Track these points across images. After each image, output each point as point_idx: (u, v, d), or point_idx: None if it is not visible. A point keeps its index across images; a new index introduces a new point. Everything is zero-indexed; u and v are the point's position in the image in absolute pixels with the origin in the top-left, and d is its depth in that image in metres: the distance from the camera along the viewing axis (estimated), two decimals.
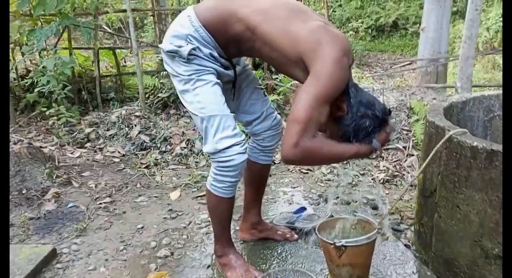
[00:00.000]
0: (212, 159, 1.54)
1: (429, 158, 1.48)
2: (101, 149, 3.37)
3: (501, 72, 7.67)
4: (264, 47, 1.49)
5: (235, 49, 1.57)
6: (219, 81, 1.55)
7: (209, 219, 2.25)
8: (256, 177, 1.91)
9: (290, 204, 2.49)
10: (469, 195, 1.41)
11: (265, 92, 1.89)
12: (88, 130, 3.57)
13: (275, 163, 3.03)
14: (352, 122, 1.44)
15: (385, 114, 1.48)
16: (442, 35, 3.87)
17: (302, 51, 1.42)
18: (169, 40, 1.54)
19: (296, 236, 1.96)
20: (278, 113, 1.90)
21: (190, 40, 1.50)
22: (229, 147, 1.49)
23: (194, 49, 1.49)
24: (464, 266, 1.48)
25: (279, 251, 1.88)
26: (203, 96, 1.51)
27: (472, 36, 2.94)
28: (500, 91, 2.04)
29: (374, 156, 1.50)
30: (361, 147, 1.45)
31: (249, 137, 1.91)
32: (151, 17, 10.78)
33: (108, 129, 3.60)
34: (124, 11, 3.87)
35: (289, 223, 2.05)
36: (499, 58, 7.77)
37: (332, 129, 1.50)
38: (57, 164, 2.85)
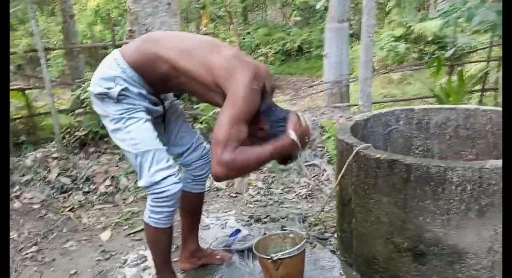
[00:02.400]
0: (149, 191, 1.61)
1: (342, 171, 1.70)
2: (17, 197, 3.18)
3: (395, 87, 8.61)
4: (188, 82, 1.62)
5: (163, 86, 1.68)
6: (149, 117, 1.64)
7: (146, 254, 2.28)
8: (191, 206, 1.99)
9: (223, 228, 2.58)
10: (378, 199, 1.64)
11: (192, 124, 2.00)
12: None
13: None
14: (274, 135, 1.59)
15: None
16: (343, 59, 4.33)
17: (217, 78, 1.56)
18: (98, 82, 1.60)
19: (234, 257, 2.06)
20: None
21: (119, 81, 1.58)
22: (164, 178, 1.58)
23: (123, 89, 1.57)
24: (381, 262, 1.70)
25: (219, 275, 1.96)
26: (136, 133, 1.58)
27: (368, 60, 3.34)
28: (395, 107, 2.38)
29: (297, 152, 1.57)
30: (277, 140, 1.55)
31: (180, 169, 2.00)
32: (52, 53, 10.37)
33: (23, 175, 3.41)
34: (35, 50, 3.75)
35: (226, 246, 2.14)
36: (392, 75, 8.72)
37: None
38: None
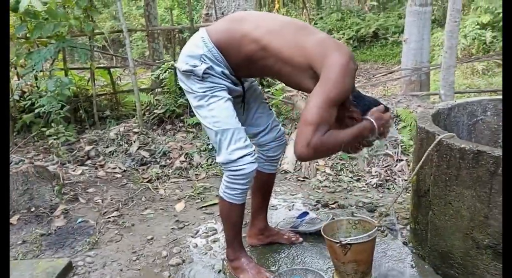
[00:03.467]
0: (225, 168, 1.67)
1: (422, 160, 1.63)
2: (102, 166, 3.45)
3: (480, 78, 8.01)
4: (276, 63, 1.61)
5: (246, 68, 1.70)
6: (230, 97, 1.69)
7: (216, 227, 2.38)
8: (262, 185, 2.04)
9: (290, 210, 2.61)
10: (459, 192, 1.56)
11: (269, 106, 2.03)
12: (87, 148, 3.65)
13: None
14: None
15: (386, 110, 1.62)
16: (424, 46, 4.10)
17: (311, 59, 1.55)
18: (185, 60, 1.67)
19: (301, 239, 2.09)
20: None
21: (204, 59, 1.64)
22: (241, 157, 1.62)
23: (208, 68, 1.63)
24: (458, 257, 1.63)
25: (286, 254, 2.00)
26: (217, 111, 1.64)
27: (452, 46, 3.14)
28: (481, 97, 2.22)
29: (376, 135, 1.56)
30: (361, 123, 1.56)
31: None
32: (133, 36, 10.95)
33: (107, 146, 3.69)
34: (120, 31, 4.00)
35: (293, 227, 2.17)
36: (477, 64, 8.11)
37: None
38: (62, 181, 2.92)
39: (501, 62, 8.08)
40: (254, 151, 1.67)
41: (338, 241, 1.61)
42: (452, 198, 1.60)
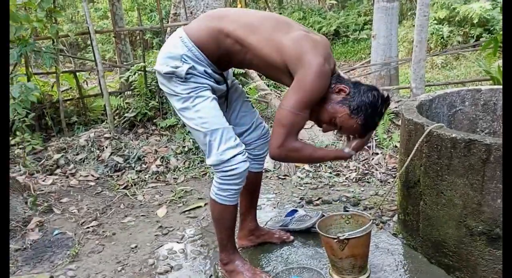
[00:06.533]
0: (216, 169, 1.62)
1: (413, 151, 1.64)
2: (73, 174, 3.29)
3: (440, 71, 8.31)
4: (254, 58, 1.60)
5: (227, 63, 1.67)
6: (215, 96, 1.64)
7: (202, 231, 2.32)
8: (250, 185, 1.98)
9: (275, 208, 2.59)
10: (451, 181, 1.58)
11: (252, 104, 1.99)
12: (56, 156, 3.47)
13: None
14: (359, 96, 1.56)
15: (377, 89, 1.61)
16: (392, 41, 4.19)
17: (286, 59, 1.54)
18: (165, 61, 1.60)
19: (292, 237, 2.06)
20: None
21: (185, 59, 1.58)
22: (233, 157, 1.58)
23: (190, 68, 1.57)
24: (452, 245, 1.65)
25: (279, 253, 1.97)
26: (204, 112, 1.58)
27: (422, 40, 3.22)
28: (458, 88, 2.28)
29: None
30: (339, 152, 1.68)
31: None
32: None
33: (77, 154, 3.52)
34: (86, 33, 3.84)
35: (283, 226, 2.14)
36: (436, 58, 8.40)
37: (342, 115, 1.57)
38: (33, 192, 2.76)
39: (458, 56, 8.46)
40: (244, 149, 1.63)
41: (335, 237, 1.60)
42: (444, 187, 1.62)
